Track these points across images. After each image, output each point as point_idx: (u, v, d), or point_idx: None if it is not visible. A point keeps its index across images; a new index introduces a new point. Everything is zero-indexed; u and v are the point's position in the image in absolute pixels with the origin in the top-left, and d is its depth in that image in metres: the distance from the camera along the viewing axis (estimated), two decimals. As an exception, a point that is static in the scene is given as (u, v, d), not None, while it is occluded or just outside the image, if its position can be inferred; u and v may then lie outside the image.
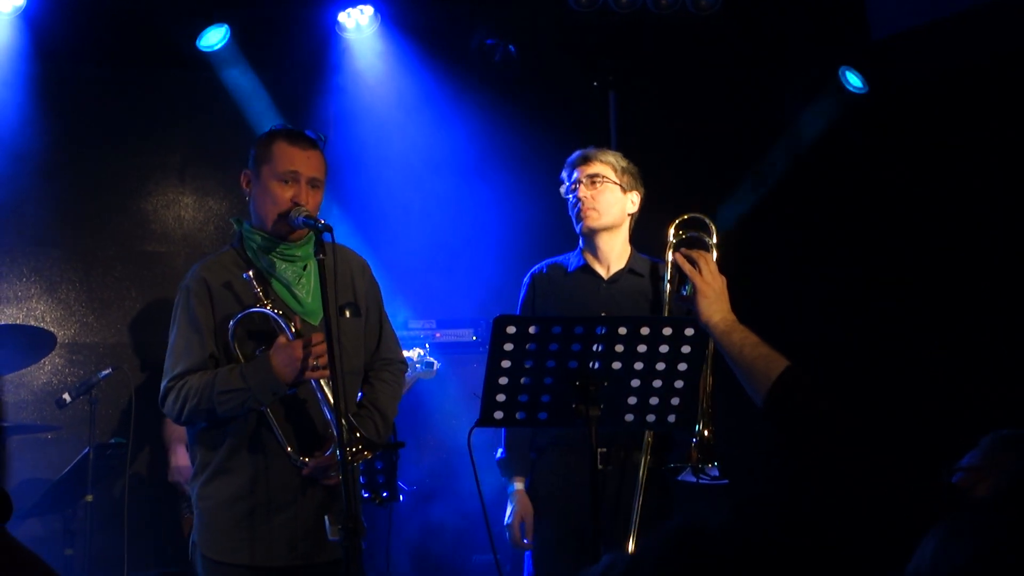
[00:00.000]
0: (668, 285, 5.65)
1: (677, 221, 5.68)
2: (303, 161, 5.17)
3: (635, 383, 4.70)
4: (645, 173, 6.09)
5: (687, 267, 4.40)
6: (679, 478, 5.53)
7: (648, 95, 8.35)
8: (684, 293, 4.44)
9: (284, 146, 5.20)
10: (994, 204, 7.98)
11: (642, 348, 4.65)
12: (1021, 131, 7.81)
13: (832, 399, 3.40)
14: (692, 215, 5.70)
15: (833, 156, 8.16)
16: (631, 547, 5.52)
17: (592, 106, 8.15)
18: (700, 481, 5.46)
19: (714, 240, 5.59)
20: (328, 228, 4.93)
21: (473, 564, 7.67)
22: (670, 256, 5.63)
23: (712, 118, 8.32)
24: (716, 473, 5.45)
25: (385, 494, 6.29)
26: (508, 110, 8.25)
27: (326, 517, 4.72)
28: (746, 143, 8.35)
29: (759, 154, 8.30)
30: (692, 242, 5.59)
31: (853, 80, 7.97)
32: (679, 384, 4.72)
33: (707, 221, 5.68)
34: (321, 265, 4.87)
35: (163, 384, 5.18)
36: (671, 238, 5.66)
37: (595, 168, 5.97)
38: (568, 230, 6.21)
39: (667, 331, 4.65)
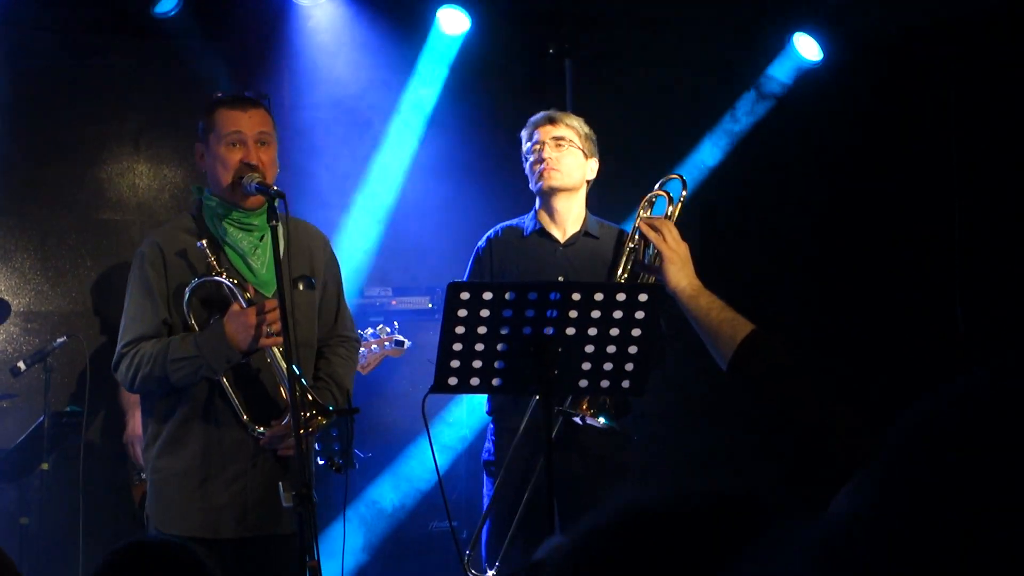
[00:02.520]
0: (633, 251, 5.65)
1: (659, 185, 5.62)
2: (245, 121, 5.20)
3: (589, 349, 4.72)
4: (601, 141, 6.11)
5: (651, 234, 4.40)
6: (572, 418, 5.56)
7: (603, 63, 8.35)
8: (646, 262, 4.44)
9: (225, 111, 5.24)
10: (950, 170, 8.01)
11: (596, 314, 4.67)
12: (978, 95, 7.84)
13: (796, 363, 3.41)
14: (673, 175, 5.64)
15: (788, 123, 8.18)
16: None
17: (547, 74, 8.14)
18: (586, 422, 5.53)
19: (682, 196, 5.54)
20: (281, 195, 4.95)
21: (430, 531, 7.68)
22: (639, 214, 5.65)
23: (668, 85, 8.32)
24: (604, 423, 5.52)
25: (340, 461, 6.29)
26: (463, 78, 8.23)
27: (280, 484, 4.74)
28: (702, 110, 8.35)
29: (716, 121, 8.31)
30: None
31: (808, 45, 7.98)
32: (633, 350, 4.73)
33: (681, 179, 5.62)
34: (273, 232, 4.88)
35: (117, 349, 5.20)
36: (645, 201, 5.64)
37: (561, 131, 6.02)
38: (522, 197, 6.22)
39: (621, 297, 4.67)
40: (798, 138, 8.17)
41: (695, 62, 8.30)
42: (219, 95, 5.37)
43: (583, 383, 4.80)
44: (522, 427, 5.69)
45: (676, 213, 5.35)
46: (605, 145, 6.15)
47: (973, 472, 1.14)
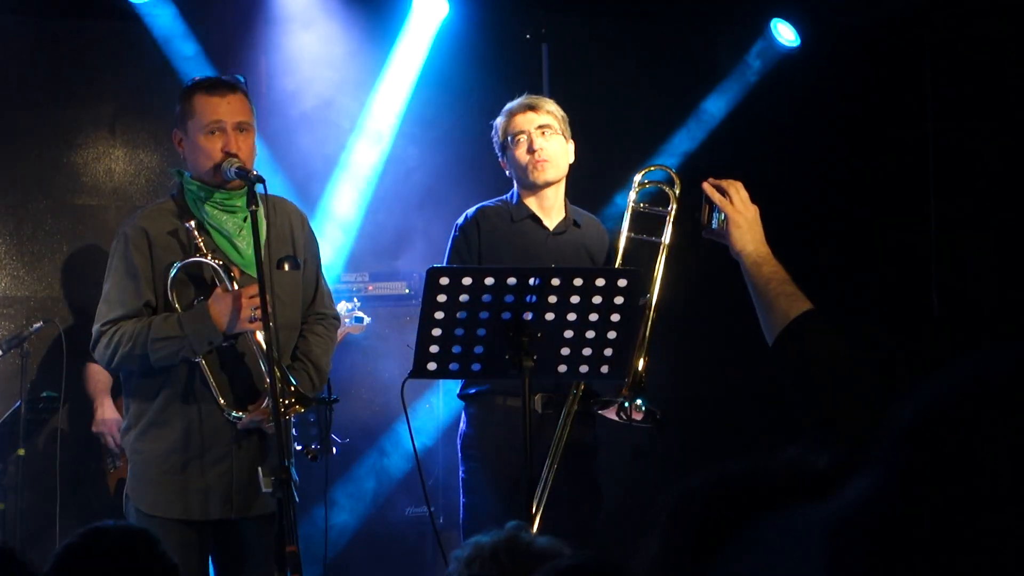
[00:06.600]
0: (625, 234, 5.60)
1: (643, 171, 5.66)
2: (225, 108, 5.17)
3: (568, 334, 4.73)
4: (579, 126, 6.06)
5: (717, 197, 4.13)
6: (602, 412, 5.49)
7: (581, 47, 8.34)
8: (714, 226, 4.22)
9: (203, 98, 5.20)
10: (926, 156, 8.03)
11: (575, 299, 4.68)
12: (955, 81, 7.86)
13: (844, 348, 3.33)
14: (658, 165, 5.68)
15: (764, 109, 8.17)
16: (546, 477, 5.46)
17: (524, 59, 8.13)
18: (622, 420, 5.41)
19: (677, 192, 5.57)
20: (260, 179, 4.96)
21: (407, 517, 7.68)
22: (631, 200, 5.62)
23: (646, 70, 8.32)
24: (643, 408, 5.38)
25: (316, 446, 6.28)
26: (440, 62, 8.21)
27: (259, 469, 4.75)
28: (680, 96, 8.35)
29: (693, 106, 8.30)
30: (653, 194, 5.61)
31: (785, 31, 7.98)
32: (612, 335, 4.75)
33: (672, 172, 5.65)
34: (253, 216, 4.88)
35: (95, 328, 5.19)
36: (635, 186, 5.62)
37: (544, 118, 5.81)
38: (497, 183, 6.19)
39: (600, 282, 4.68)
40: (774, 124, 8.17)
41: (672, 47, 8.30)
42: (196, 80, 5.35)
43: (562, 368, 4.81)
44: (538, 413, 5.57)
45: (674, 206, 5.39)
46: (581, 131, 6.11)
47: (977, 459, 1.12)
